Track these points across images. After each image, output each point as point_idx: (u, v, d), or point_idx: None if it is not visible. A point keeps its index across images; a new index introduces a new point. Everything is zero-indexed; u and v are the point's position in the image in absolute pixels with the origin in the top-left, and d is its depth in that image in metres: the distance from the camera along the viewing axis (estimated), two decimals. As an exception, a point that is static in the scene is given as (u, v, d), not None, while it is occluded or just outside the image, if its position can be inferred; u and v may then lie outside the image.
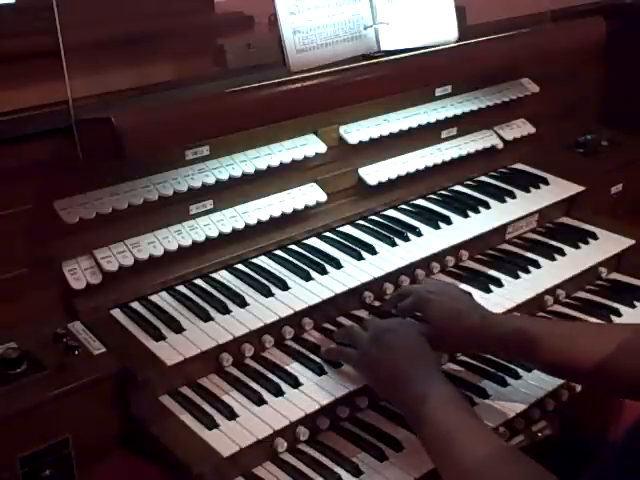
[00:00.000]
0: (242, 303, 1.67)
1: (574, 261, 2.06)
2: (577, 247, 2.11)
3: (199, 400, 1.51)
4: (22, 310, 1.53)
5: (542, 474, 1.21)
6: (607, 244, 2.14)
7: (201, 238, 1.73)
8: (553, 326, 1.66)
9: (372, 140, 2.00)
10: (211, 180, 1.72)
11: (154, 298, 1.69)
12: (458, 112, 2.19)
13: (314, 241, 1.93)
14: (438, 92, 2.18)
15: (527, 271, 1.98)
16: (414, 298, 1.68)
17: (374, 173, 2.05)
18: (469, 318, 1.59)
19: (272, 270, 1.79)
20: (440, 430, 1.34)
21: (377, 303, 1.82)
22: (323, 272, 1.78)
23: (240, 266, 1.81)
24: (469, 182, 2.28)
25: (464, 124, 2.26)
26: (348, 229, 1.99)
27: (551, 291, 1.96)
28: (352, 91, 1.77)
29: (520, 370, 1.71)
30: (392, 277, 1.84)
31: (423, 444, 1.38)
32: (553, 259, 2.04)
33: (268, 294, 1.70)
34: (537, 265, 2.01)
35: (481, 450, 1.28)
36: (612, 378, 1.47)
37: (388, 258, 1.86)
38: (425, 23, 1.94)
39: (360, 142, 1.98)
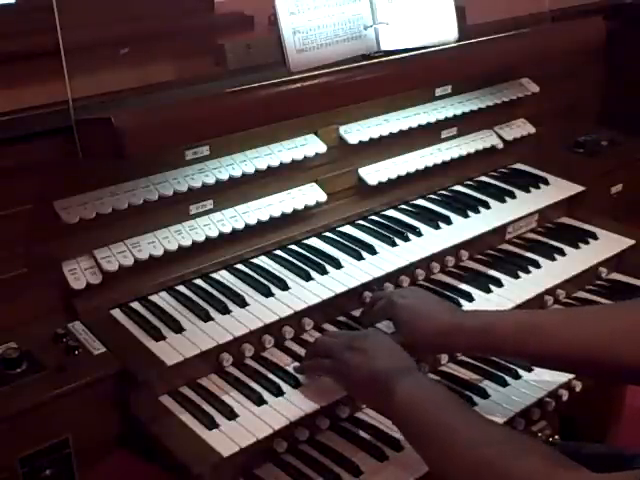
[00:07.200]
0: (242, 303, 1.66)
1: (574, 261, 2.06)
2: (577, 247, 2.11)
3: (199, 400, 1.51)
4: (22, 310, 1.53)
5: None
6: (607, 244, 2.14)
7: (201, 238, 1.73)
8: (514, 317, 1.61)
9: (372, 140, 2.00)
10: (211, 180, 1.72)
11: (154, 298, 1.69)
12: (458, 112, 2.19)
13: (314, 241, 1.93)
14: (438, 92, 2.18)
15: (527, 271, 1.98)
16: (384, 303, 1.66)
17: (374, 173, 2.05)
18: (439, 317, 1.56)
19: (272, 270, 1.79)
20: (428, 420, 1.30)
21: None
22: (323, 272, 1.78)
23: (240, 266, 1.81)
24: (469, 182, 2.27)
25: (464, 124, 2.26)
26: (348, 229, 1.99)
27: (551, 291, 1.96)
28: (352, 91, 1.77)
29: (520, 370, 1.71)
30: (392, 277, 1.84)
31: (410, 438, 1.35)
32: (553, 259, 2.04)
33: (268, 294, 1.70)
34: (537, 265, 2.01)
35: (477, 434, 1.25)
36: (607, 365, 1.42)
37: (388, 258, 1.86)
38: (425, 23, 1.94)
39: (360, 142, 1.98)
